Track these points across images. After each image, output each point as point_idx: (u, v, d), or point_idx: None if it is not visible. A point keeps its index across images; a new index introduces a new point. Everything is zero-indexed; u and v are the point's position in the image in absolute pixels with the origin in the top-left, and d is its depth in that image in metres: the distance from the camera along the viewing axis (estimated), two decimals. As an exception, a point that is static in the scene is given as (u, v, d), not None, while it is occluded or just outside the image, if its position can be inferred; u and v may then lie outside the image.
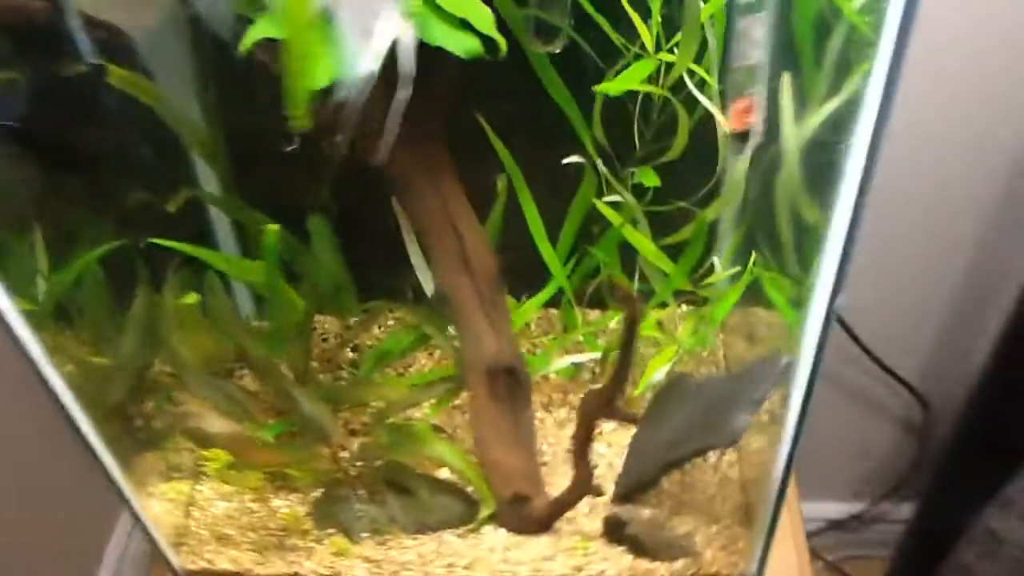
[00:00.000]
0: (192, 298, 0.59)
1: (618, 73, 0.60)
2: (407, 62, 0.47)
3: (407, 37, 0.46)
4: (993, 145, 1.02)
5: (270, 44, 0.50)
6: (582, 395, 0.61)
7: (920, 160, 1.03)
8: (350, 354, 0.80)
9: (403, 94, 0.48)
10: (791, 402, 0.54)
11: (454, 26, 0.52)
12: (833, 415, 1.37)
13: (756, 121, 0.52)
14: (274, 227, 0.58)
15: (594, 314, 0.80)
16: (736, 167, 0.61)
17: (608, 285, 0.70)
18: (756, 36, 0.48)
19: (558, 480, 0.70)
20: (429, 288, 0.71)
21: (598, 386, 0.58)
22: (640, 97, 0.63)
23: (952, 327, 1.26)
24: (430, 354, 0.80)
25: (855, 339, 1.15)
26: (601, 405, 0.56)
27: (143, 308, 0.60)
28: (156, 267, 0.63)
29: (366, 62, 0.45)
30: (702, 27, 0.56)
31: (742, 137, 0.54)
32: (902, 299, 1.22)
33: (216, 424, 0.60)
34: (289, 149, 0.55)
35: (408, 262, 0.70)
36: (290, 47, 0.47)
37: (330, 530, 0.70)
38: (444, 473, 0.72)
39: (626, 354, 0.52)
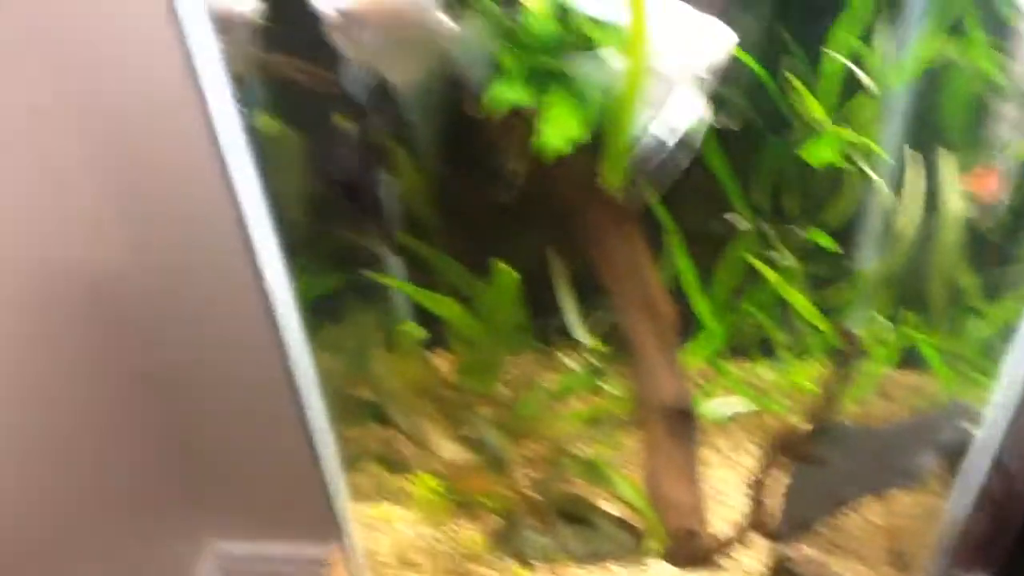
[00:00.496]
0: (416, 331, 0.66)
1: (790, 143, 0.67)
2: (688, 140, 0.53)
3: (694, 120, 0.53)
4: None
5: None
6: (753, 431, 0.66)
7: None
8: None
9: (685, 160, 0.54)
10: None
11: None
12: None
13: (995, 191, 0.57)
14: (508, 269, 0.65)
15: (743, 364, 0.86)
16: (900, 232, 0.67)
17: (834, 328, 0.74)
18: (1009, 116, 0.54)
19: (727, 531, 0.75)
20: (580, 334, 0.78)
21: (796, 427, 0.63)
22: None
23: None
24: (584, 398, 0.86)
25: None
26: (800, 443, 0.61)
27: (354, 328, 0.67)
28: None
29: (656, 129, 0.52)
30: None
31: (984, 207, 0.60)
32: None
33: (446, 450, 0.66)
34: (504, 201, 0.62)
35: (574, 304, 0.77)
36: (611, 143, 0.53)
37: (506, 557, 0.75)
38: (606, 505, 0.77)
39: (835, 393, 0.57)
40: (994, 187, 0.55)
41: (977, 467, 0.57)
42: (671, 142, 0.52)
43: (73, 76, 0.76)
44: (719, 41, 0.50)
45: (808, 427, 0.61)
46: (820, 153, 0.63)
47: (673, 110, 0.50)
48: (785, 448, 0.63)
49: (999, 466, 0.69)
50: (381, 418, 0.75)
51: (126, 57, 0.71)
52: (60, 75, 0.78)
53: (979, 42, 0.55)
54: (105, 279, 0.93)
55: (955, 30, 0.61)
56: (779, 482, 0.76)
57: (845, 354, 0.57)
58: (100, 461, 1.21)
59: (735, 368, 0.82)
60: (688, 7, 0.51)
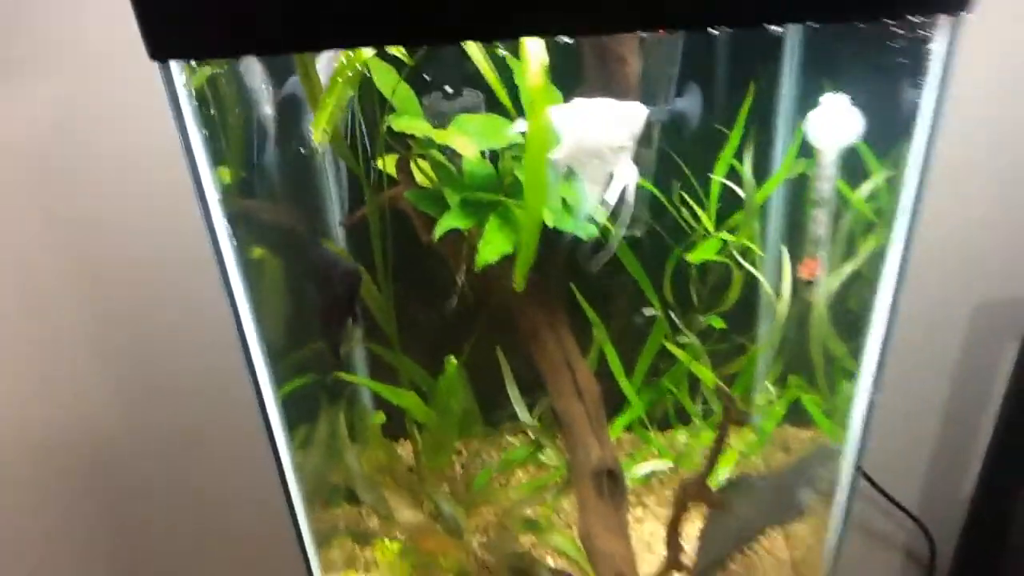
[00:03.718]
0: (377, 417, 0.78)
1: (687, 249, 0.82)
2: (630, 199, 0.63)
3: (633, 181, 0.63)
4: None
5: (452, 234, 0.71)
6: (673, 488, 0.79)
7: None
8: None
9: (624, 228, 0.65)
10: (838, 486, 0.73)
11: (573, 217, 0.73)
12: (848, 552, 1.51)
13: (820, 275, 0.74)
14: (454, 361, 0.77)
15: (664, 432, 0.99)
16: (778, 312, 0.82)
17: (714, 391, 0.88)
18: (821, 219, 0.71)
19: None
20: (525, 416, 0.91)
21: (691, 476, 0.76)
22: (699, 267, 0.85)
23: (945, 457, 1.42)
24: (527, 471, 0.98)
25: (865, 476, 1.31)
26: (696, 487, 0.74)
27: (326, 423, 0.79)
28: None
29: (609, 198, 0.62)
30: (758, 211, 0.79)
31: (807, 285, 0.77)
32: (905, 436, 1.40)
33: (406, 515, 0.77)
34: (450, 307, 0.75)
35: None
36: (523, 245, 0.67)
37: None
38: (550, 561, 0.89)
39: (719, 444, 0.70)
40: (816, 271, 0.71)
41: (840, 497, 0.71)
42: (629, 198, 0.63)
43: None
44: (634, 114, 0.62)
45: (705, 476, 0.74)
46: (702, 254, 0.77)
47: (618, 176, 0.62)
48: (688, 495, 0.76)
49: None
50: (351, 498, 0.86)
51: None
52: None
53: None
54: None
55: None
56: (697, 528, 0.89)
57: (726, 412, 0.70)
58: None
59: (657, 436, 0.96)
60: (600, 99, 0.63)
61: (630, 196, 0.62)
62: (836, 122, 0.66)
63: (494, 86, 0.67)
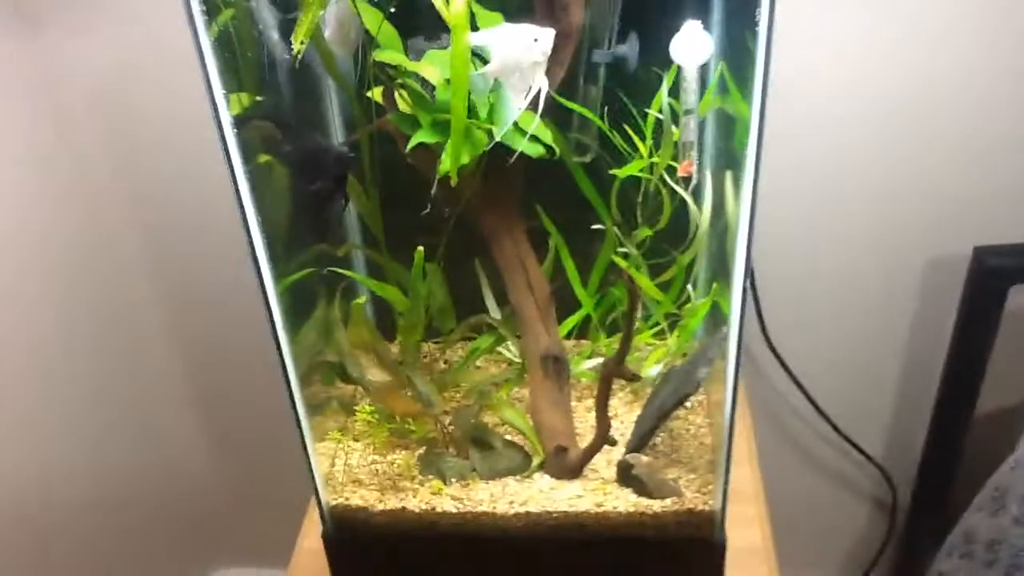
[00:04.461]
0: (362, 299, 0.95)
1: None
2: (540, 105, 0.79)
3: (544, 90, 0.78)
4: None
5: (422, 147, 0.88)
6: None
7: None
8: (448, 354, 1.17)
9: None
10: (728, 366, 0.87)
11: (528, 138, 0.89)
12: (811, 495, 1.64)
13: (693, 173, 0.90)
14: (420, 248, 0.94)
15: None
16: (700, 231, 0.97)
17: (615, 270, 1.03)
18: (691, 126, 0.88)
19: (586, 443, 1.02)
20: (493, 309, 1.07)
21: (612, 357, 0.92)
22: (643, 186, 1.00)
23: (904, 406, 1.55)
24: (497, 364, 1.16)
25: (827, 419, 1.45)
26: (615, 365, 0.90)
27: (324, 311, 0.97)
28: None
29: (525, 103, 0.78)
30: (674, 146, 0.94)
31: (687, 180, 0.93)
32: (872, 386, 1.53)
33: (375, 373, 0.94)
34: (424, 213, 0.91)
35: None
36: (451, 143, 0.83)
37: (430, 476, 1.00)
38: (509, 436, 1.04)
39: (630, 322, 0.86)
40: (690, 169, 0.88)
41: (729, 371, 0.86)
42: (538, 105, 0.79)
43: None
44: (546, 33, 0.77)
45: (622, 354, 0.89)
46: (628, 170, 0.93)
47: (534, 86, 0.78)
48: (608, 371, 0.91)
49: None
50: (343, 375, 1.03)
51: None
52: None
53: (736, 98, 0.84)
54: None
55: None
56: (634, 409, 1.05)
57: (631, 295, 0.85)
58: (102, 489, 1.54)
59: (604, 338, 1.12)
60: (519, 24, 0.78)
61: (541, 102, 0.78)
62: (693, 44, 0.82)
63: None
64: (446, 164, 0.85)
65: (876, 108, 1.24)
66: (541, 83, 0.77)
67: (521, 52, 0.75)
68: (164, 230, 1.42)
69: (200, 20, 0.70)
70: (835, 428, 1.48)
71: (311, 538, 1.09)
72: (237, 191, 0.79)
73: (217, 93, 0.74)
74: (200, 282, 1.46)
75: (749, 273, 0.79)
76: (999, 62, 1.20)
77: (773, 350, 1.37)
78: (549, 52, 0.76)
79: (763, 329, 1.35)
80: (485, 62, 0.79)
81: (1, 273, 1.30)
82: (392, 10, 0.86)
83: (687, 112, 0.88)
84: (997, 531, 1.32)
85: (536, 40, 0.75)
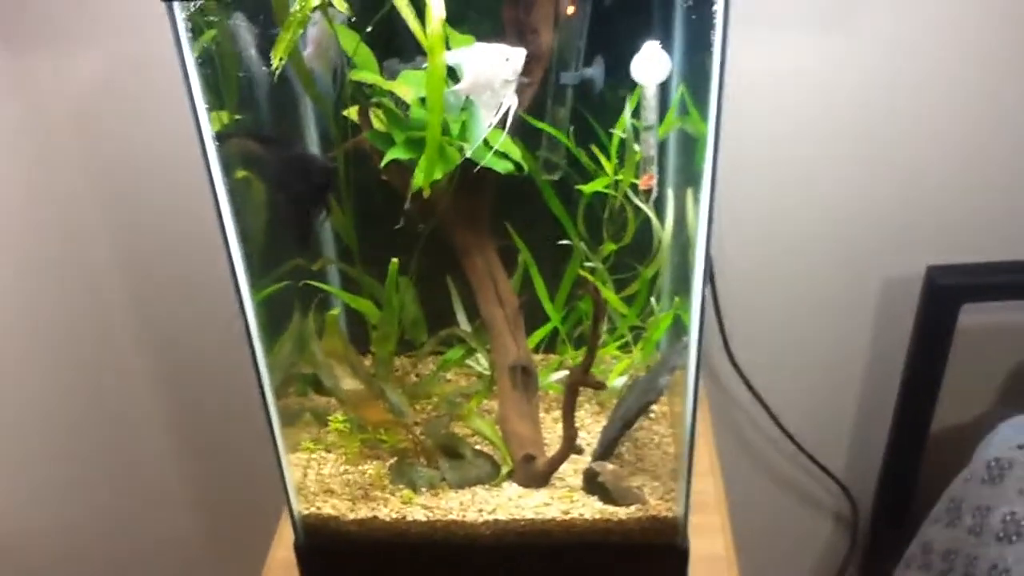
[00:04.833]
0: (336, 311, 0.98)
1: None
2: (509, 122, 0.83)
3: (513, 108, 0.82)
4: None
5: (396, 164, 0.91)
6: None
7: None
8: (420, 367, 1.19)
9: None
10: (688, 376, 0.91)
11: (498, 156, 0.93)
12: (773, 509, 1.68)
13: (653, 186, 0.95)
14: (395, 261, 0.97)
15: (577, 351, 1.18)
16: (662, 245, 1.02)
17: (581, 282, 1.06)
18: (651, 142, 0.92)
19: (553, 452, 1.05)
20: (464, 322, 1.11)
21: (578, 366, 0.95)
22: (607, 203, 1.04)
23: (865, 423, 1.59)
24: (468, 376, 1.18)
25: (789, 435, 1.49)
26: (580, 374, 0.93)
27: (298, 324, 0.99)
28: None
29: (494, 120, 0.81)
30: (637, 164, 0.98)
31: (647, 194, 0.97)
32: (831, 403, 1.57)
33: (348, 383, 0.96)
34: (396, 228, 0.94)
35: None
36: (425, 157, 0.87)
37: (401, 486, 1.02)
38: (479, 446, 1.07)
39: (595, 333, 0.89)
40: (651, 183, 0.92)
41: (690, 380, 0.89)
42: (507, 123, 0.82)
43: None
44: (517, 53, 0.81)
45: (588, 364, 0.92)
46: (593, 187, 0.97)
47: (504, 103, 0.81)
48: (574, 380, 0.95)
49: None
50: (317, 386, 1.06)
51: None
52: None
53: (694, 117, 0.88)
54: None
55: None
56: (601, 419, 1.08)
57: (596, 307, 0.88)
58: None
59: (571, 351, 1.15)
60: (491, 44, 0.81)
61: (510, 119, 0.82)
62: (652, 64, 0.87)
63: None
64: (419, 178, 0.88)
65: (832, 131, 1.30)
66: (511, 101, 0.80)
67: (493, 71, 0.79)
68: (140, 246, 1.44)
69: (185, 39, 0.73)
70: (796, 444, 1.52)
71: (283, 549, 1.10)
72: (217, 206, 0.82)
73: (200, 109, 0.77)
74: (172, 291, 1.47)
75: (709, 281, 0.83)
76: (951, 86, 1.26)
77: (735, 366, 1.41)
78: (520, 71, 0.80)
79: (726, 345, 1.39)
80: (457, 81, 0.83)
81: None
82: (368, 30, 0.89)
83: (647, 128, 0.92)
84: (952, 541, 1.36)
85: (508, 59, 0.79)
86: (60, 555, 1.58)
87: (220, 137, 0.80)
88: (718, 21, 0.71)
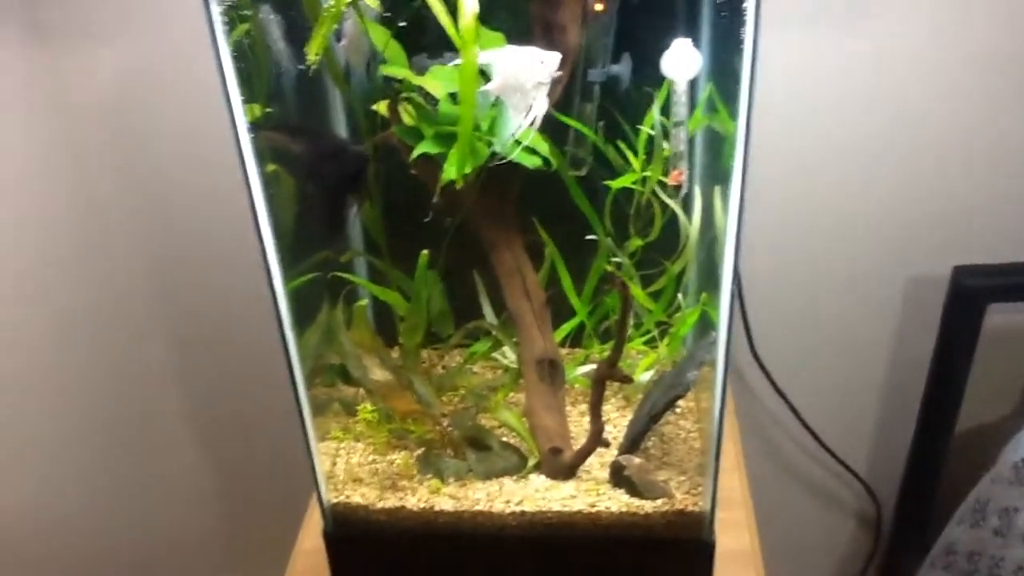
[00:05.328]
0: (364, 302, 1.00)
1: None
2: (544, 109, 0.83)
3: (543, 111, 0.83)
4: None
5: (424, 158, 0.92)
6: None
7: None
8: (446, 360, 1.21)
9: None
10: (716, 371, 0.91)
11: (526, 152, 0.94)
12: (796, 508, 1.68)
13: (683, 182, 0.95)
14: (424, 252, 0.98)
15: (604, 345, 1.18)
16: (690, 242, 1.02)
17: (608, 277, 1.07)
18: (681, 137, 0.93)
19: (580, 446, 1.06)
20: (490, 316, 1.12)
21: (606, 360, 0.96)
22: (634, 199, 1.04)
23: (889, 423, 1.59)
24: (494, 369, 1.19)
25: (812, 433, 1.49)
26: (608, 368, 0.94)
27: (327, 315, 1.01)
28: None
29: (525, 123, 0.82)
30: (665, 160, 0.99)
31: (677, 190, 0.98)
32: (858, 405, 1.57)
33: (376, 374, 0.97)
34: (426, 220, 0.95)
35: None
36: (456, 151, 0.88)
37: (428, 476, 1.03)
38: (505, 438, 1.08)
39: (622, 327, 0.90)
40: (680, 179, 0.93)
41: (719, 375, 0.89)
42: (536, 125, 0.83)
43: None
44: (552, 57, 0.81)
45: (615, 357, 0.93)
46: (621, 182, 0.98)
47: (535, 106, 0.82)
48: (601, 373, 0.95)
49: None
50: (344, 377, 1.07)
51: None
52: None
53: (723, 115, 0.89)
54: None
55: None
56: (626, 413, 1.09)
57: (624, 302, 0.89)
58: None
59: (597, 345, 1.16)
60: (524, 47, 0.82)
61: (538, 122, 0.83)
62: (682, 60, 0.87)
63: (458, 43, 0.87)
64: (449, 172, 0.89)
65: (858, 129, 1.30)
66: (542, 104, 0.81)
67: (524, 73, 0.80)
68: (166, 239, 1.46)
69: (220, 31, 0.75)
70: (820, 442, 1.52)
71: (310, 538, 1.12)
72: (251, 197, 0.83)
73: (235, 101, 0.79)
74: (198, 283, 1.49)
75: (737, 279, 0.84)
76: (979, 82, 1.25)
77: (760, 364, 1.41)
78: (553, 74, 0.81)
79: (750, 342, 1.39)
80: (487, 79, 0.84)
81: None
82: (401, 24, 0.91)
83: (677, 124, 0.93)
84: (977, 543, 1.36)
85: (543, 62, 0.80)
86: (87, 544, 1.61)
87: (254, 128, 0.81)
88: (749, 19, 0.71)
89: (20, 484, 1.48)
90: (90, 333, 1.49)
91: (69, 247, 1.42)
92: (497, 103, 0.85)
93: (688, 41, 0.89)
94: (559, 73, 0.83)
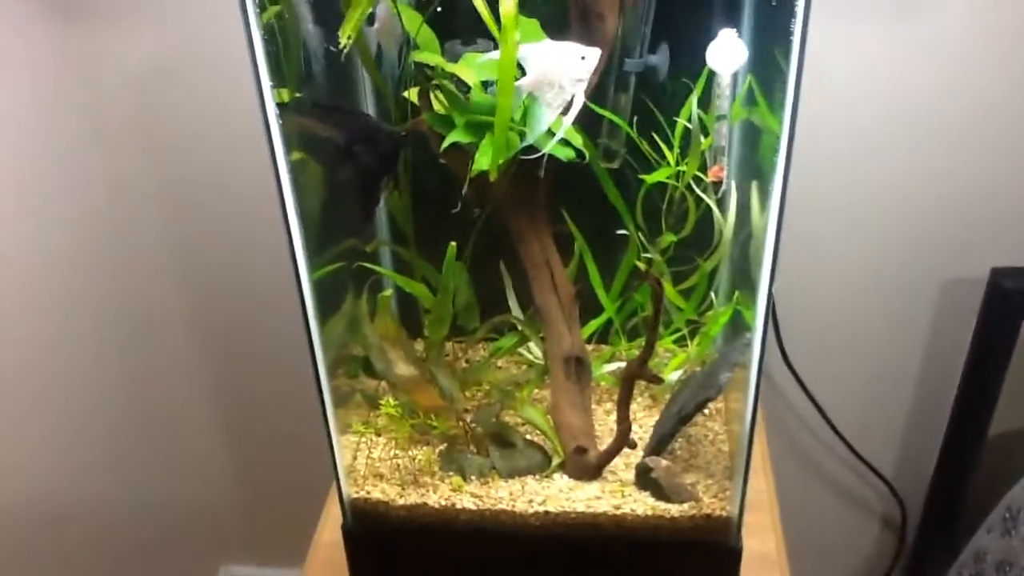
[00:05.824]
0: (388, 292, 0.98)
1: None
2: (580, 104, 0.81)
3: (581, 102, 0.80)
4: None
5: (455, 147, 0.90)
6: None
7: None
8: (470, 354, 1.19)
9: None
10: (750, 374, 0.89)
11: (559, 143, 0.91)
12: (822, 511, 1.65)
13: (723, 178, 0.92)
14: (453, 244, 0.96)
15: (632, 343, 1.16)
16: (724, 239, 0.99)
17: (642, 272, 1.04)
18: (723, 131, 0.90)
19: (605, 445, 1.03)
20: (516, 310, 1.09)
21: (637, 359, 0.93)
22: (667, 193, 1.02)
23: (918, 426, 1.55)
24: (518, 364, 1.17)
25: (840, 436, 1.46)
26: (637, 367, 0.91)
27: (351, 306, 0.99)
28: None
29: (566, 120, 0.80)
30: (702, 154, 0.96)
31: (716, 186, 0.95)
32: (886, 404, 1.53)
33: (400, 367, 0.95)
34: (453, 212, 0.93)
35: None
36: (491, 142, 0.85)
37: (450, 473, 1.02)
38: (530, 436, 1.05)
39: (654, 325, 0.87)
40: (720, 174, 0.91)
41: (752, 377, 0.87)
42: (570, 118, 0.81)
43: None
44: (592, 53, 0.79)
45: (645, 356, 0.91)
46: (656, 176, 0.95)
47: (573, 102, 0.79)
48: (630, 372, 0.93)
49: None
50: (367, 369, 1.05)
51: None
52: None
53: (763, 108, 0.86)
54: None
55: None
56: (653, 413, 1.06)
57: (656, 299, 0.87)
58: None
59: (625, 342, 1.13)
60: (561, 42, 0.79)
61: (573, 114, 0.81)
62: (728, 51, 0.84)
63: (494, 32, 0.85)
64: (481, 162, 0.87)
65: (896, 128, 1.26)
66: (579, 100, 0.79)
67: (559, 69, 0.77)
68: (193, 225, 1.45)
69: (252, 12, 0.73)
70: (847, 445, 1.49)
71: (328, 531, 1.10)
72: (279, 182, 0.82)
73: (265, 84, 0.77)
74: (223, 271, 1.48)
75: (773, 280, 0.81)
76: (1022, 80, 1.21)
77: (789, 366, 1.39)
78: (593, 70, 0.78)
79: (780, 345, 1.36)
80: (521, 72, 0.81)
81: (24, 266, 1.32)
82: (439, 9, 0.88)
83: (719, 118, 0.90)
84: (1007, 552, 1.33)
85: (584, 58, 0.77)
86: (109, 529, 1.60)
87: (283, 109, 0.79)
88: (799, 11, 0.68)
89: (43, 468, 1.47)
90: (116, 319, 1.49)
91: (95, 227, 1.41)
92: (530, 96, 0.82)
93: (733, 32, 0.85)
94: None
